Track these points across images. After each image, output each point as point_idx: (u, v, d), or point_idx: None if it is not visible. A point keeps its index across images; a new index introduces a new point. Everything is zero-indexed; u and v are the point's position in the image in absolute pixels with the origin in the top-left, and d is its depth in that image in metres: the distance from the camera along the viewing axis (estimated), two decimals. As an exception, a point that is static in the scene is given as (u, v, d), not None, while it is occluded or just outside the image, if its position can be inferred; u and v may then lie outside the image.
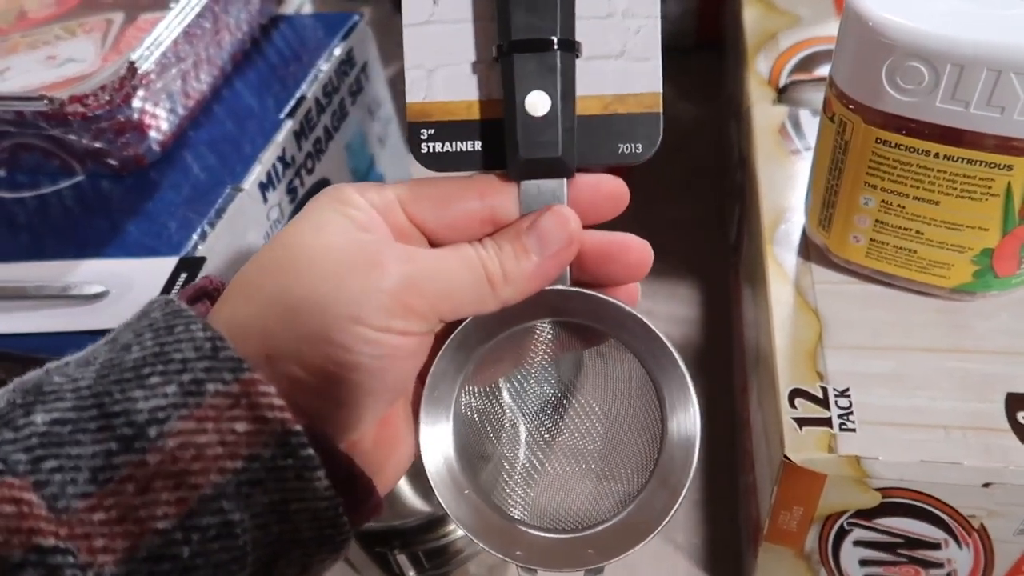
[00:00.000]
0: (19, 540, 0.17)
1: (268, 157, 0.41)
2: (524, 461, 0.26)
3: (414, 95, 0.24)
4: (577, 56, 0.23)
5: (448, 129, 0.24)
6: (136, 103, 0.39)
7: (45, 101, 0.36)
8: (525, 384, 0.27)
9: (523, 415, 0.26)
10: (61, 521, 0.18)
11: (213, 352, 0.19)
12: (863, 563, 0.35)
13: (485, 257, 0.23)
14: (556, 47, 0.22)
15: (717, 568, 0.43)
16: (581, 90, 0.24)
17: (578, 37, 0.23)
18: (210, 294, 0.23)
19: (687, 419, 0.24)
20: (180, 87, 0.42)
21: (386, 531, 0.37)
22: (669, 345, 0.24)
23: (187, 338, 0.20)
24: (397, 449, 0.25)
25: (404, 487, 0.46)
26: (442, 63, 0.24)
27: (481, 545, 0.24)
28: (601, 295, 0.24)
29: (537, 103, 0.22)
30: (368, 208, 0.23)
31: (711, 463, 0.47)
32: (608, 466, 0.26)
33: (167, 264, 0.36)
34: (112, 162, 0.40)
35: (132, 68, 0.38)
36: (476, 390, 0.26)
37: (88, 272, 0.36)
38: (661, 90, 0.24)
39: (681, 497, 0.24)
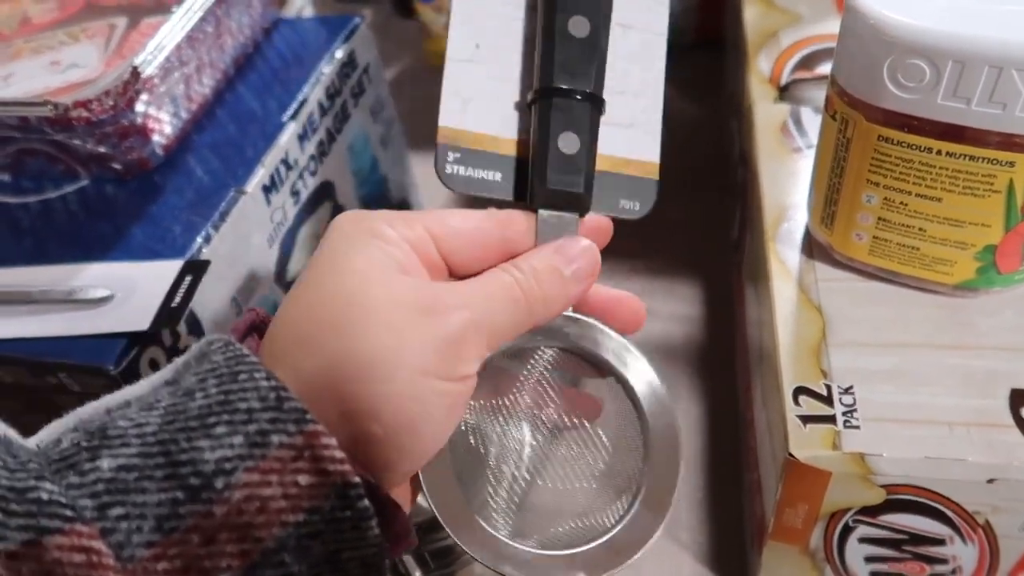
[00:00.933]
0: None
1: (271, 160, 0.41)
2: (515, 479, 0.27)
3: (447, 120, 0.26)
4: (601, 113, 0.27)
5: (473, 156, 0.26)
6: (139, 107, 0.39)
7: (49, 106, 0.36)
8: (519, 405, 0.27)
9: (515, 436, 0.27)
10: (127, 570, 0.18)
11: (278, 402, 0.20)
12: (868, 560, 0.36)
13: (523, 281, 0.24)
14: (589, 99, 0.26)
15: (722, 566, 0.43)
16: (599, 148, 0.27)
17: None
18: (258, 328, 0.23)
19: (670, 443, 0.26)
20: (183, 91, 0.42)
21: (392, 532, 0.38)
22: (651, 368, 0.26)
23: (251, 387, 0.20)
24: (411, 486, 0.25)
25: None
26: (476, 97, 0.27)
27: (471, 556, 0.25)
28: (594, 321, 0.26)
29: (569, 142, 0.25)
30: (404, 245, 0.23)
31: (715, 462, 0.47)
32: (598, 486, 0.27)
33: (172, 267, 0.36)
34: (116, 166, 0.41)
35: (135, 72, 0.38)
36: (473, 406, 0.26)
37: (93, 276, 0.36)
38: (659, 161, 0.27)
39: (665, 519, 0.25)
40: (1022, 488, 0.31)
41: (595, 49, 0.26)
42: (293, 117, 0.44)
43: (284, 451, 0.19)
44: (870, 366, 0.33)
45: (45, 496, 0.18)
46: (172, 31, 0.40)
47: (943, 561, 0.35)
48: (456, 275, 0.25)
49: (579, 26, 0.25)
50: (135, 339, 0.33)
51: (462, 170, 0.26)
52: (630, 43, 0.28)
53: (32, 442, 0.20)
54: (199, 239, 0.37)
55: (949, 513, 0.32)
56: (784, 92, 0.47)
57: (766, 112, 0.46)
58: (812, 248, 0.38)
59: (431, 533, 0.37)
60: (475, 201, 0.26)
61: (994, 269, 0.34)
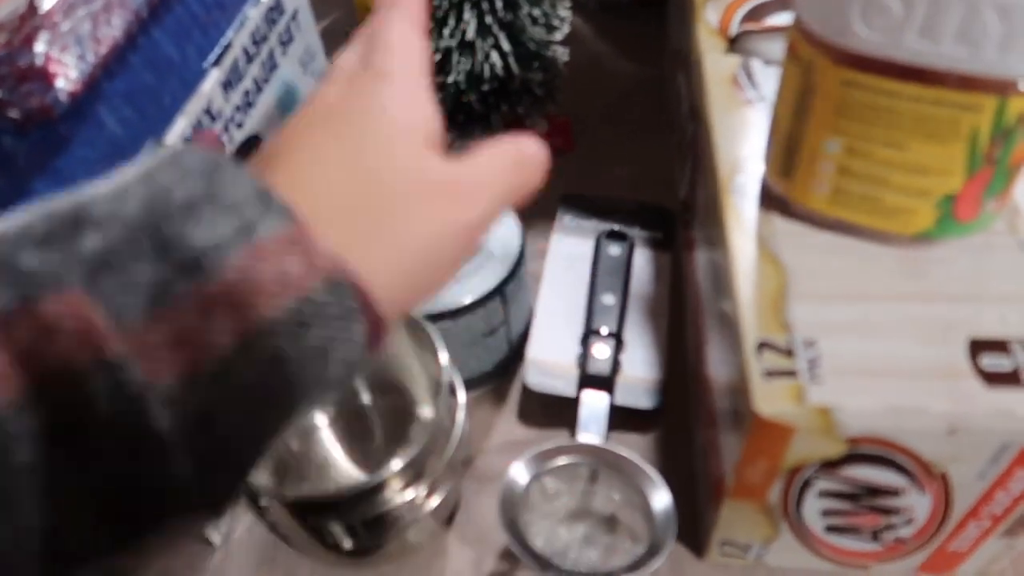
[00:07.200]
0: (85, 353, 0.17)
1: (193, 109, 0.38)
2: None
3: (531, 354, 0.46)
4: (621, 344, 0.46)
5: (548, 372, 0.46)
6: (39, 47, 0.35)
7: (-69, 43, 0.32)
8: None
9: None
10: (123, 336, 0.18)
11: (263, 197, 0.20)
12: (824, 513, 0.35)
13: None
14: (614, 336, 0.46)
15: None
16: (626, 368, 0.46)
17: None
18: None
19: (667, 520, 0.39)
20: (89, 30, 0.38)
21: (320, 502, 0.35)
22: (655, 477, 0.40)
23: (236, 183, 0.20)
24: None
25: (338, 457, 0.44)
26: (550, 340, 0.47)
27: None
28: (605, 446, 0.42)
29: (600, 351, 0.45)
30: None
31: (665, 422, 0.47)
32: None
33: (83, 225, 0.32)
34: (13, 115, 0.36)
35: (32, 7, 0.34)
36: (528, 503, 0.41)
37: (-9, 236, 0.32)
38: (661, 377, 0.46)
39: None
40: (980, 436, 0.30)
41: (618, 311, 0.47)
42: (216, 64, 0.40)
43: (274, 241, 0.19)
44: (831, 318, 0.33)
45: (33, 264, 0.17)
46: (75, -38, 0.36)
47: (897, 512, 0.35)
48: None
49: (609, 297, 0.47)
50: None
51: (539, 380, 0.45)
52: (642, 309, 0.48)
53: None
54: (113, 194, 0.34)
55: (908, 464, 0.32)
56: (734, 44, 0.46)
57: (716, 64, 0.44)
58: (769, 201, 0.37)
59: (361, 502, 0.35)
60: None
61: (952, 218, 0.33)
